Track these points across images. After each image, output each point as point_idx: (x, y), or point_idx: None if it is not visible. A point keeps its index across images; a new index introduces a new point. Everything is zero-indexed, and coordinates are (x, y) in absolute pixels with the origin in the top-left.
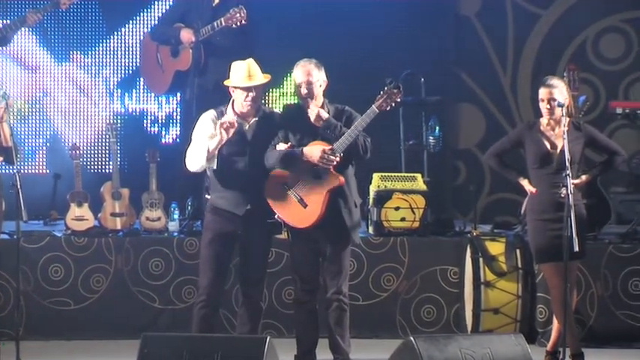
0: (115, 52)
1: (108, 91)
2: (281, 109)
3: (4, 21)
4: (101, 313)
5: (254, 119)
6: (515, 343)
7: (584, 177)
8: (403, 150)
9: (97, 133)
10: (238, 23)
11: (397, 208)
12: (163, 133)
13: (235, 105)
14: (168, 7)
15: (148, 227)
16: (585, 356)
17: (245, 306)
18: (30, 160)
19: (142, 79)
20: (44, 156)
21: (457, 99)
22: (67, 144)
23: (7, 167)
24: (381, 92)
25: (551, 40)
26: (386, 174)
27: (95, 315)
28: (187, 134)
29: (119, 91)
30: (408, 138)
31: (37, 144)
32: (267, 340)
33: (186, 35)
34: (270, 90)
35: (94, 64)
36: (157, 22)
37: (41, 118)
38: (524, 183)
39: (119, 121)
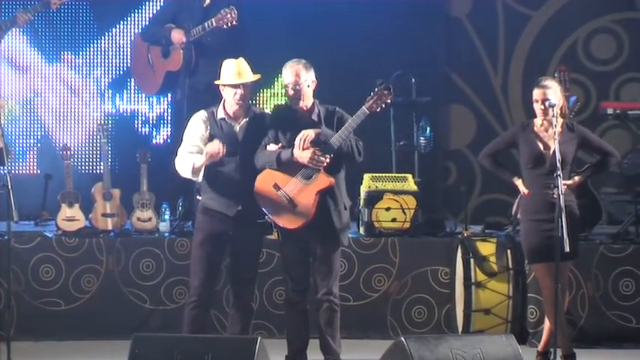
0: (106, 53)
1: (99, 91)
2: (271, 110)
3: None
4: (92, 314)
5: (244, 120)
6: (506, 343)
7: (576, 178)
8: (394, 150)
9: (87, 133)
10: (229, 24)
11: (388, 209)
12: (154, 133)
13: (226, 105)
14: (159, 8)
15: (138, 228)
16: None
17: (236, 306)
18: (21, 160)
19: (132, 80)
20: (35, 156)
21: (448, 100)
22: (57, 144)
23: None
24: (372, 93)
25: (542, 41)
26: (377, 174)
27: (86, 315)
28: (178, 135)
29: (110, 91)
30: (399, 138)
31: (28, 144)
32: (258, 340)
33: (177, 36)
34: (261, 90)
35: (84, 64)
36: (147, 22)
37: (32, 118)
38: (518, 183)
39: (110, 121)
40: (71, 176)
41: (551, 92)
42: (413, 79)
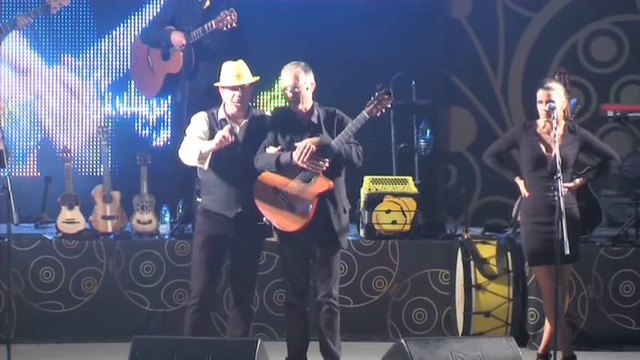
0: (106, 55)
1: (99, 94)
2: (271, 112)
3: None
4: (92, 316)
5: (244, 121)
6: (507, 345)
7: (577, 180)
8: (394, 153)
9: (88, 135)
10: (229, 26)
11: (388, 211)
12: (154, 135)
13: (226, 107)
14: (158, 10)
15: (139, 230)
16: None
17: (236, 309)
18: (21, 162)
19: (132, 82)
20: (35, 159)
21: (448, 102)
22: (58, 147)
23: None
24: (372, 98)
25: (542, 44)
26: (377, 177)
27: (86, 318)
28: (178, 137)
29: (110, 93)
30: (399, 141)
31: (28, 147)
32: (258, 343)
33: (177, 38)
34: (261, 93)
35: (84, 66)
36: (147, 24)
37: (32, 120)
38: (520, 184)
39: (110, 123)
40: (71, 179)
41: (555, 94)
42: (413, 82)
